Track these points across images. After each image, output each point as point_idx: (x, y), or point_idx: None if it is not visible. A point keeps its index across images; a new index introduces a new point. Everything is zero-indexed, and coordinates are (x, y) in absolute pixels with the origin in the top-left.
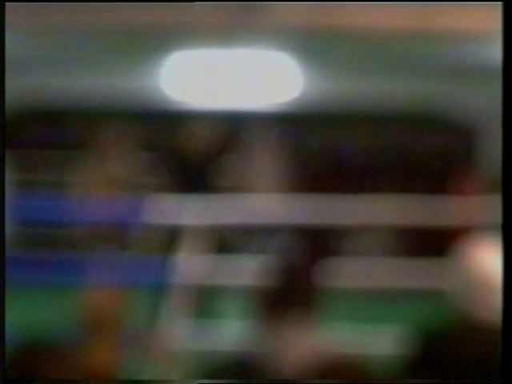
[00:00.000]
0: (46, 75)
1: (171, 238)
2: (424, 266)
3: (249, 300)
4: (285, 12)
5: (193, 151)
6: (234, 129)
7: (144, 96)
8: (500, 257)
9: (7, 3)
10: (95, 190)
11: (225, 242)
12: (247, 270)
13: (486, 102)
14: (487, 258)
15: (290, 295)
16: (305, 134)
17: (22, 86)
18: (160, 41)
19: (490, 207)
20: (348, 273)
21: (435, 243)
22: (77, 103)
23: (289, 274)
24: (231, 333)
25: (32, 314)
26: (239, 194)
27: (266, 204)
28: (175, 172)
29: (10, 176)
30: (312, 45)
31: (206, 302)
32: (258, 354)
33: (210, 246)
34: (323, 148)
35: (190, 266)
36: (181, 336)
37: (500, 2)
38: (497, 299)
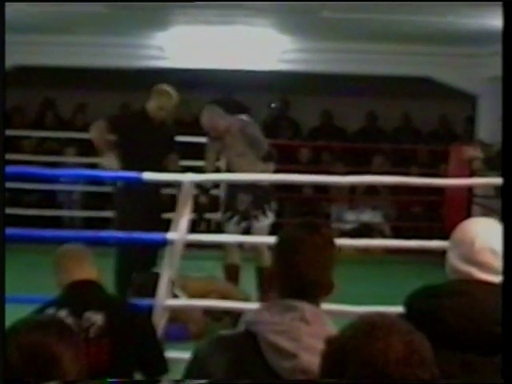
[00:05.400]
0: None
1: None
2: (424, 236)
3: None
4: None
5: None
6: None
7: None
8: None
9: (7, 3)
10: None
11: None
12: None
13: (488, 69)
14: (483, 227)
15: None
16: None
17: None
18: (154, 17)
19: (490, 176)
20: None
21: (434, 215)
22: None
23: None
24: None
25: None
26: None
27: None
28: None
29: None
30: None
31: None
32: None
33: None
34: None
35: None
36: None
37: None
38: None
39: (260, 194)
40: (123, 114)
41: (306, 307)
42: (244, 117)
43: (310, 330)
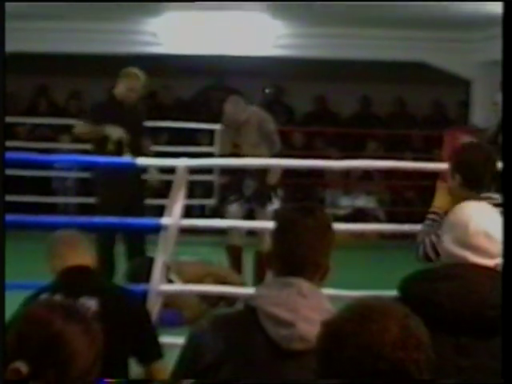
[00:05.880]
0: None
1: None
2: (419, 221)
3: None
4: None
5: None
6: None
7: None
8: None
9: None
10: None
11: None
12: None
13: (482, 54)
14: (477, 211)
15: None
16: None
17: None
18: (147, 2)
19: None
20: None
21: (428, 199)
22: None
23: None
24: None
25: None
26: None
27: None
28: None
29: None
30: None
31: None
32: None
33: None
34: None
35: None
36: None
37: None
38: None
39: (267, 181)
40: (95, 104)
41: (302, 283)
42: (262, 111)
43: (306, 303)
